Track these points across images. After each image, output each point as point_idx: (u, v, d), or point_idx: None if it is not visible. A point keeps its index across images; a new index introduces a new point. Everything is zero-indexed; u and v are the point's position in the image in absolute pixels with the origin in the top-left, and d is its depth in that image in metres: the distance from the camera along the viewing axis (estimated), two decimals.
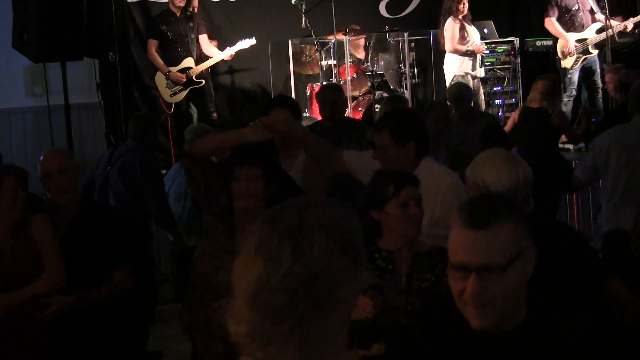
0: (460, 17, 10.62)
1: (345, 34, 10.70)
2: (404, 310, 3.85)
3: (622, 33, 10.53)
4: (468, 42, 10.54)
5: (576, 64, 10.57)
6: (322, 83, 10.70)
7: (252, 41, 10.44)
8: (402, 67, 11.07)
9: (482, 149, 5.73)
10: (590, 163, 6.44)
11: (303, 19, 10.78)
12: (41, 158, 5.27)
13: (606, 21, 10.35)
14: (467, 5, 10.55)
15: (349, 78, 10.61)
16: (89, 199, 5.55)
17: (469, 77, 10.44)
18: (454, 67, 10.57)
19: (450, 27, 10.55)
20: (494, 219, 2.36)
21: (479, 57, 10.62)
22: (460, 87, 9.06)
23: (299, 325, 1.79)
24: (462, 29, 10.59)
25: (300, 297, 1.78)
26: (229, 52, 10.40)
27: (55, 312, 4.59)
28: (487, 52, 10.92)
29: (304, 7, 10.81)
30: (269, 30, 11.25)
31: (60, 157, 5.33)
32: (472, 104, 9.07)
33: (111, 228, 5.05)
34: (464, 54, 10.52)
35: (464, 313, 2.40)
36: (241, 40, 10.44)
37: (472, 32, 10.71)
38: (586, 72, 10.69)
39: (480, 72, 10.71)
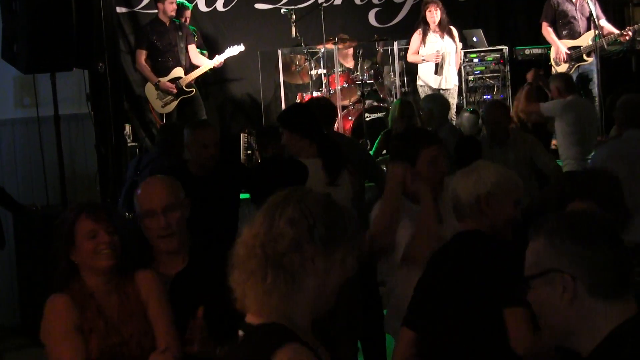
0: (431, 26, 10.74)
1: (334, 44, 10.72)
2: None
3: (614, 41, 10.55)
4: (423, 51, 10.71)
5: (570, 71, 10.60)
6: (312, 92, 10.82)
7: (240, 48, 10.54)
8: (392, 76, 11.08)
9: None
10: None
11: (293, 28, 10.91)
12: (139, 191, 4.22)
13: (594, 28, 10.37)
14: (436, 14, 10.69)
15: (339, 87, 10.61)
16: (200, 246, 4.23)
17: (427, 89, 10.76)
18: (424, 77, 10.80)
19: (413, 39, 10.78)
20: (533, 234, 2.41)
21: (448, 69, 10.78)
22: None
23: (260, 276, 2.36)
24: (423, 39, 10.76)
25: (256, 254, 2.36)
26: (218, 60, 10.49)
27: None
28: (477, 60, 10.95)
29: (293, 16, 10.95)
30: (258, 39, 11.38)
31: (168, 189, 4.17)
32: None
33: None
34: (435, 66, 10.73)
35: None
36: (230, 47, 10.47)
37: (437, 43, 10.78)
38: (583, 79, 10.72)
39: (446, 84, 10.78)
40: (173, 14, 10.33)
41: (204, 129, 6.32)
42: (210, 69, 10.61)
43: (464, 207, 3.98)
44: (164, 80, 10.26)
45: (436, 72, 10.63)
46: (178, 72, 10.36)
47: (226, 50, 10.57)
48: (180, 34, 10.45)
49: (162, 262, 3.99)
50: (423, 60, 10.68)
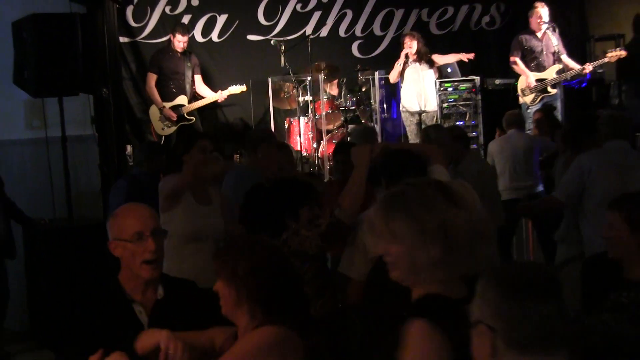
0: (410, 56, 10.79)
1: (320, 72, 10.81)
2: None
3: (578, 75, 10.70)
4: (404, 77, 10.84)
5: (535, 100, 10.66)
6: (299, 117, 10.85)
7: (242, 87, 10.60)
8: (373, 103, 11.15)
9: None
10: (574, 183, 6.21)
11: (282, 58, 10.88)
12: (120, 215, 3.72)
13: (558, 63, 10.50)
14: (412, 45, 10.76)
15: (324, 113, 10.68)
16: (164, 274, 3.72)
17: (408, 113, 10.84)
18: (405, 102, 10.88)
19: (395, 65, 10.91)
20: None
21: (428, 93, 10.84)
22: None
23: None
24: (403, 67, 10.82)
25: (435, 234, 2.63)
26: (221, 95, 10.55)
27: None
28: (451, 89, 11.03)
29: (282, 47, 10.92)
30: (250, 68, 11.39)
31: (154, 214, 3.76)
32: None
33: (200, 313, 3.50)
34: (408, 82, 10.86)
35: None
36: (234, 85, 10.58)
37: (416, 70, 10.85)
38: (547, 108, 10.62)
39: (423, 105, 10.86)
40: (179, 48, 10.42)
41: (280, 150, 6.62)
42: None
43: None
44: (168, 106, 10.29)
45: (404, 66, 10.83)
46: (181, 99, 10.35)
47: (229, 88, 10.57)
48: (188, 64, 10.47)
49: (139, 291, 3.57)
50: (399, 64, 10.83)
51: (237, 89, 10.60)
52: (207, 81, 10.91)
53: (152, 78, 10.35)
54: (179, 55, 10.42)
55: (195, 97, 10.49)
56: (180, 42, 10.36)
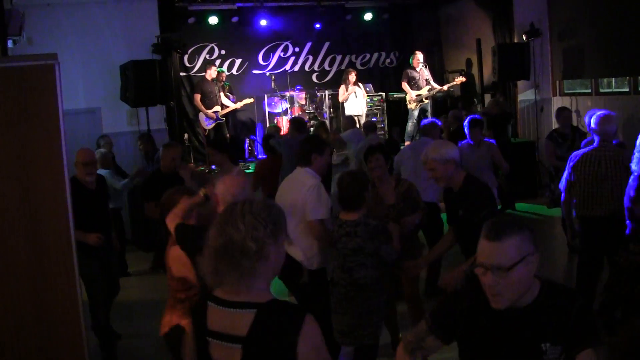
0: (349, 83, 10.46)
1: (294, 91, 10.79)
2: None
3: (439, 91, 10.80)
4: (349, 96, 10.54)
5: (417, 107, 10.52)
6: (282, 117, 10.54)
7: (251, 100, 10.48)
8: (325, 108, 11.26)
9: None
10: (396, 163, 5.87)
11: (272, 83, 10.81)
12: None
13: (428, 85, 10.65)
14: (352, 76, 10.50)
15: (297, 114, 10.51)
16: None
17: (355, 116, 10.34)
18: (348, 110, 10.64)
19: (341, 89, 10.62)
20: (503, 234, 1.87)
21: (361, 106, 10.56)
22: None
23: (235, 267, 1.75)
24: (347, 89, 10.48)
25: (230, 253, 1.74)
26: (240, 104, 10.34)
27: None
28: (369, 99, 10.78)
29: (273, 77, 10.86)
30: (255, 89, 11.17)
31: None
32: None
33: None
34: (352, 103, 10.57)
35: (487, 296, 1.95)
36: (246, 99, 10.42)
37: (357, 91, 10.57)
38: (423, 111, 10.59)
39: (359, 111, 10.54)
40: (210, 78, 10.13)
41: (172, 148, 5.48)
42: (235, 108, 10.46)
43: None
44: (210, 112, 9.99)
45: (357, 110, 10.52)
46: (216, 107, 10.03)
47: (244, 100, 10.31)
48: (217, 87, 10.17)
49: None
50: (347, 92, 10.48)
51: (247, 100, 10.40)
52: (236, 96, 10.69)
53: (198, 97, 10.04)
54: (211, 82, 10.14)
55: (222, 106, 10.23)
56: (212, 72, 10.18)
